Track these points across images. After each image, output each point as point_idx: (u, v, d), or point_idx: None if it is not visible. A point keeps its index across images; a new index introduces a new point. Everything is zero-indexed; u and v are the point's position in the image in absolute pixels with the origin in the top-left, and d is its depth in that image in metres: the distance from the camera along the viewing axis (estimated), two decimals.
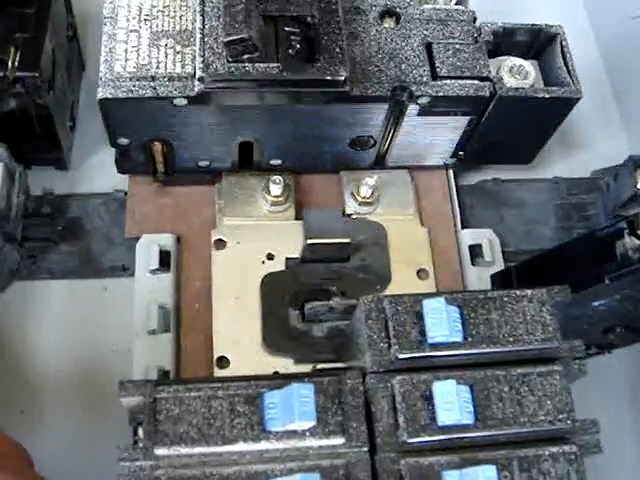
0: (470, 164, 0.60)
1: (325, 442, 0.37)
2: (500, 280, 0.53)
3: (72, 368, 0.52)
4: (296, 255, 0.52)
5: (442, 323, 0.39)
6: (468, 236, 0.57)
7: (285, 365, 0.49)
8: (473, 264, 0.56)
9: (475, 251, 0.56)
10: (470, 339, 0.39)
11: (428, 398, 0.37)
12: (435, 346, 0.39)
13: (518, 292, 0.41)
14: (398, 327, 0.39)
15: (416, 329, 0.39)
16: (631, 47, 0.67)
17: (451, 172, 0.59)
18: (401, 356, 0.38)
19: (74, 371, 0.52)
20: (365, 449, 0.37)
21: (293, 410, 0.36)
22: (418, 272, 0.54)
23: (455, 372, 0.39)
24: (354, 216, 0.55)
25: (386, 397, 0.38)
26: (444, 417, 0.37)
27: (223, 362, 0.49)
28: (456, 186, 0.59)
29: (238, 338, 0.50)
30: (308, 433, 0.37)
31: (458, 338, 0.39)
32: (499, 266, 0.56)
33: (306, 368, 0.49)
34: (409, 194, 0.56)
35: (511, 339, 0.40)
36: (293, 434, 0.36)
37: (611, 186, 0.60)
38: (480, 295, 0.41)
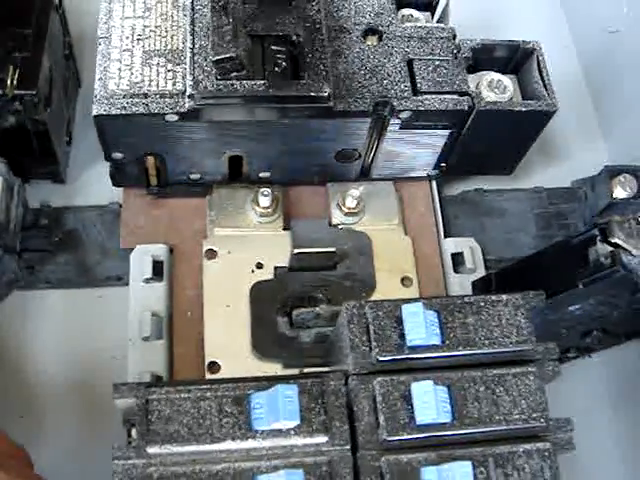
0: (453, 175, 0.61)
1: (309, 440, 0.38)
2: (480, 286, 0.55)
3: (69, 374, 0.54)
4: (284, 264, 0.54)
5: (420, 327, 0.40)
6: (451, 245, 0.58)
7: (274, 370, 0.51)
8: (456, 271, 0.57)
9: (457, 259, 0.58)
10: (447, 342, 0.41)
11: (407, 398, 0.39)
12: (414, 349, 0.40)
13: (494, 297, 0.43)
14: (379, 331, 0.41)
15: (396, 333, 0.41)
16: (609, 60, 0.68)
17: (434, 183, 0.60)
18: (381, 358, 0.40)
19: (71, 377, 0.54)
20: (347, 447, 0.39)
21: (278, 410, 0.38)
22: (402, 280, 0.55)
23: (433, 373, 0.40)
24: (340, 226, 0.56)
25: (367, 398, 0.39)
26: (422, 416, 0.39)
27: (214, 367, 0.51)
28: (439, 196, 0.60)
29: (228, 344, 0.51)
30: (292, 432, 0.38)
31: (436, 341, 0.41)
32: (481, 273, 0.57)
33: (294, 373, 0.50)
34: (393, 205, 0.58)
35: (487, 342, 0.41)
36: (278, 433, 0.38)
37: (589, 195, 0.62)
38: (457, 300, 0.43)
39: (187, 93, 0.48)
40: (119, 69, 0.50)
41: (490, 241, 0.60)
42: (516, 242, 0.61)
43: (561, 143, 0.68)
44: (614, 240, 0.45)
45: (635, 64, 0.64)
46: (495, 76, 0.55)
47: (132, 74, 0.50)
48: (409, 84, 0.52)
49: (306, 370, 0.50)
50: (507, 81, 0.55)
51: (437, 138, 0.55)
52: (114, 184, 0.56)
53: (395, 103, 0.51)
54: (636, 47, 0.64)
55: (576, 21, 0.74)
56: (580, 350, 0.56)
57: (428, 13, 0.58)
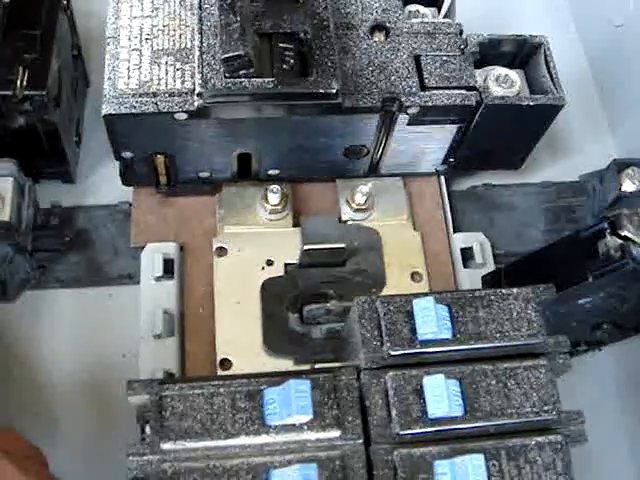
0: (461, 170, 0.61)
1: (322, 435, 0.39)
2: (490, 281, 0.55)
3: (82, 372, 0.54)
4: (294, 261, 0.54)
5: (431, 321, 0.41)
6: (460, 239, 0.58)
7: (285, 366, 0.51)
8: (465, 266, 0.57)
9: (467, 254, 0.58)
10: (458, 336, 0.41)
11: (419, 392, 0.39)
12: (425, 343, 0.41)
13: (504, 291, 0.43)
14: (390, 326, 0.41)
15: (407, 327, 0.41)
16: (616, 54, 0.68)
17: (443, 178, 0.60)
18: (393, 353, 0.40)
19: (83, 375, 0.54)
20: (360, 441, 0.39)
21: (291, 405, 0.38)
22: (412, 275, 0.55)
23: (445, 367, 0.41)
24: (349, 222, 0.57)
25: (379, 392, 0.40)
26: (434, 410, 0.39)
27: (226, 364, 0.51)
28: (448, 192, 0.60)
29: (240, 341, 0.52)
30: (306, 427, 0.39)
31: (447, 335, 0.41)
32: (490, 268, 0.57)
33: (305, 369, 0.51)
34: (402, 200, 0.58)
35: (498, 335, 0.42)
36: (291, 428, 0.38)
37: (597, 189, 0.62)
38: (468, 294, 0.43)
39: (196, 91, 0.48)
40: (128, 68, 0.50)
41: (499, 236, 0.60)
42: (525, 236, 0.61)
43: (569, 137, 0.68)
44: (623, 233, 0.45)
45: None
46: (502, 71, 0.55)
47: (141, 73, 0.50)
48: (417, 80, 0.52)
49: (317, 366, 0.50)
50: (514, 76, 0.55)
51: (445, 133, 0.55)
52: (124, 183, 0.56)
53: (403, 99, 0.52)
54: None
55: (582, 15, 0.74)
56: (590, 344, 0.56)
57: (434, 9, 0.58)
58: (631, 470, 0.56)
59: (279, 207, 0.55)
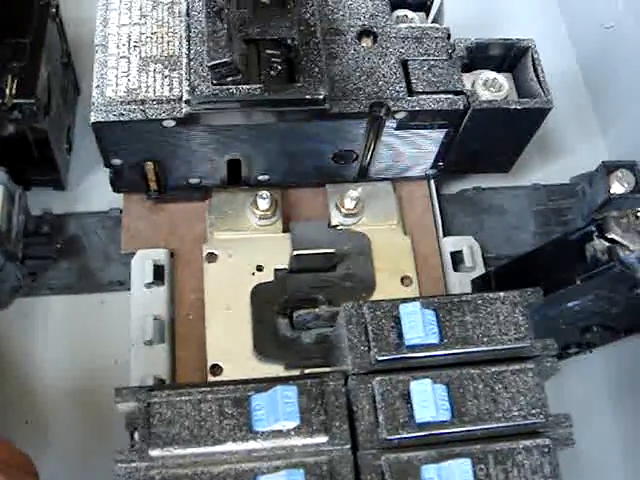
0: (451, 174, 0.62)
1: (309, 441, 0.39)
2: (480, 284, 0.55)
3: (73, 379, 0.54)
4: (284, 266, 0.54)
5: (418, 326, 0.41)
6: (450, 243, 0.58)
7: (276, 371, 0.51)
8: (455, 270, 0.58)
9: (457, 257, 0.58)
10: (446, 340, 0.41)
11: (406, 397, 0.39)
12: (412, 348, 0.41)
13: (491, 295, 0.43)
14: (377, 331, 0.41)
15: (394, 332, 0.41)
16: (606, 56, 0.69)
17: (432, 182, 0.61)
18: (380, 358, 0.40)
19: (74, 382, 0.54)
20: (347, 447, 0.39)
21: (278, 411, 0.38)
22: (402, 279, 0.56)
23: (432, 372, 0.41)
24: (339, 227, 0.57)
25: (367, 397, 0.40)
26: (421, 414, 0.39)
27: (216, 370, 0.51)
28: (437, 195, 0.60)
29: (230, 347, 0.52)
30: (293, 432, 0.39)
31: (434, 340, 0.41)
32: (480, 271, 0.57)
33: (295, 374, 0.51)
34: (392, 204, 0.58)
35: (485, 339, 0.42)
36: (279, 434, 0.39)
37: (586, 192, 0.62)
38: (455, 298, 0.43)
39: (184, 98, 0.48)
40: (116, 76, 0.50)
41: (489, 239, 0.60)
42: (515, 239, 0.61)
43: (559, 139, 0.68)
44: (611, 236, 0.45)
45: (631, 59, 0.64)
46: (490, 75, 0.55)
47: (129, 81, 0.50)
48: (404, 85, 0.52)
49: (307, 371, 0.50)
50: (502, 79, 0.55)
51: (434, 138, 0.55)
52: (114, 190, 0.56)
53: (391, 104, 0.52)
54: (632, 42, 0.64)
55: (572, 18, 0.75)
56: (580, 346, 0.56)
57: (423, 13, 0.58)
58: (622, 473, 0.56)
59: (269, 213, 0.55)
